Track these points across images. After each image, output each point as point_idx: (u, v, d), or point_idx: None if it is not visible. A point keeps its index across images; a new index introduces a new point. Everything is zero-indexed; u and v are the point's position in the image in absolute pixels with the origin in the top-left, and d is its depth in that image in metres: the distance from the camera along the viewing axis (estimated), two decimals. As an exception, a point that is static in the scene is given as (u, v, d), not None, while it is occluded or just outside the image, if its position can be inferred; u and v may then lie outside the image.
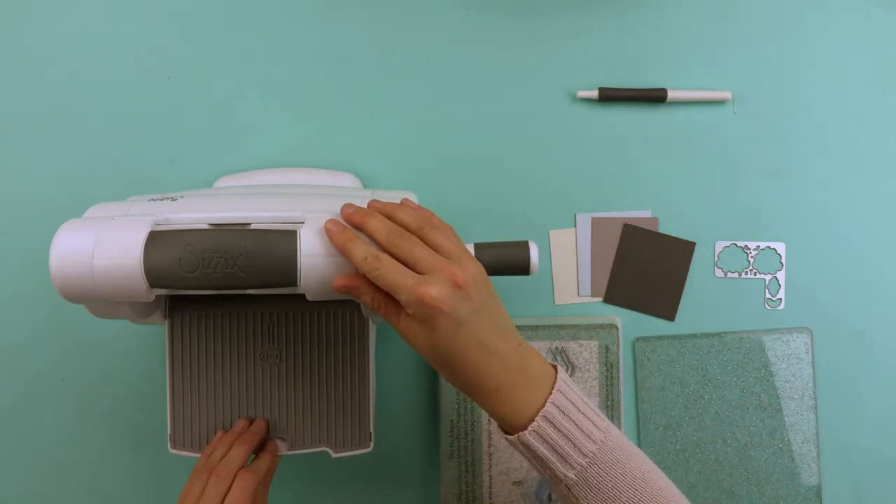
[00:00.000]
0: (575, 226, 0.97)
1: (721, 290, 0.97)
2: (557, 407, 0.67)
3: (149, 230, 0.70)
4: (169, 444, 0.84)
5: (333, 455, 0.84)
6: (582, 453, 0.67)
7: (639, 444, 0.96)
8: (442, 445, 0.94)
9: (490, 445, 0.93)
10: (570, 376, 0.87)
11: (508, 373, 0.68)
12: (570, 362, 0.94)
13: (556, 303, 0.97)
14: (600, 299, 0.97)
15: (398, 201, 0.76)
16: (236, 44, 0.97)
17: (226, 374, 0.83)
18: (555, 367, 0.70)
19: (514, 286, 0.96)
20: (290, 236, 0.69)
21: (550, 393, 0.68)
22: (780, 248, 0.97)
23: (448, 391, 0.94)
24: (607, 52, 0.98)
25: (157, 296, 0.72)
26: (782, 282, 0.97)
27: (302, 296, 0.72)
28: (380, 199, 0.76)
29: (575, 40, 0.98)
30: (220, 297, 0.83)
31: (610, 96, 0.96)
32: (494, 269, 0.76)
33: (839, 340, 0.97)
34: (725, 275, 0.97)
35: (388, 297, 0.69)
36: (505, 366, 0.68)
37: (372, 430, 0.84)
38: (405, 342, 0.69)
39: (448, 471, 0.94)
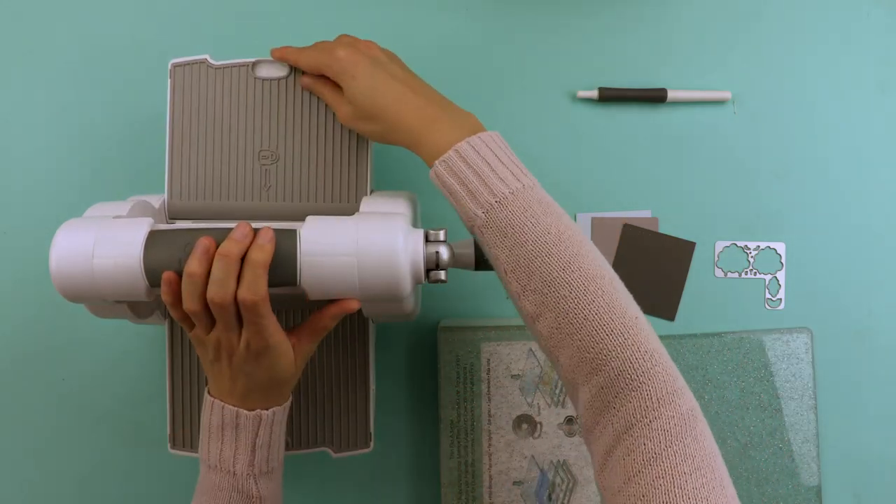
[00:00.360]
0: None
1: (721, 290, 0.97)
2: (473, 147, 0.69)
3: (148, 230, 0.70)
4: (168, 444, 0.84)
5: (333, 455, 0.84)
6: (493, 194, 0.68)
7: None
8: (442, 445, 0.94)
9: (490, 445, 0.93)
10: None
11: (432, 107, 0.74)
12: None
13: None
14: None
15: (397, 202, 0.77)
16: (236, 44, 0.97)
17: None
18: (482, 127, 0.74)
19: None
20: (290, 235, 0.69)
21: (471, 136, 0.70)
22: (780, 248, 0.97)
23: (448, 392, 0.94)
24: (607, 52, 0.98)
25: (156, 295, 0.72)
26: (782, 282, 0.97)
27: (302, 295, 0.72)
28: (381, 199, 0.77)
29: (575, 40, 0.98)
30: None
31: (610, 96, 0.96)
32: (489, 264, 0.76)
33: (839, 340, 0.97)
34: (725, 275, 0.97)
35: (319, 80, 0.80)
36: (428, 102, 0.75)
37: (372, 430, 0.83)
38: None
39: (448, 471, 0.94)
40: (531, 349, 0.91)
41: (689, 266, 0.97)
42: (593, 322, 0.62)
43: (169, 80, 0.82)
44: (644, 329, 0.63)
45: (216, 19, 0.98)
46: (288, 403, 0.77)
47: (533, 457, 0.92)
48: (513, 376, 0.92)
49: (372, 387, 0.84)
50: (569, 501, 0.93)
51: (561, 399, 0.92)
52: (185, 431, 0.84)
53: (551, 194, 0.96)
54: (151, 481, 0.96)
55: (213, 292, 0.67)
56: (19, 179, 0.97)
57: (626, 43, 0.98)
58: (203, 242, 0.68)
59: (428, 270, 0.74)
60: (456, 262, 0.76)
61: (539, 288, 0.65)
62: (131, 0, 0.97)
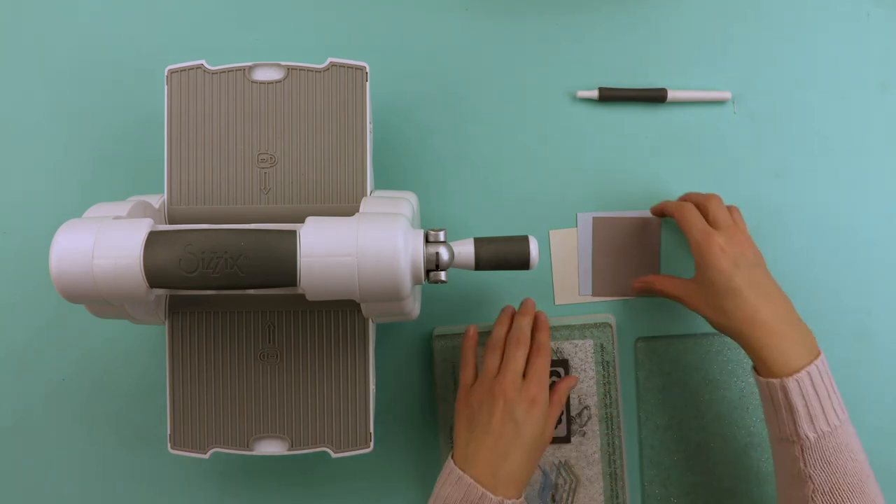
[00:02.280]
0: (576, 225, 0.97)
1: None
2: (820, 371, 0.76)
3: (148, 230, 0.70)
4: (169, 444, 0.84)
5: (333, 455, 0.84)
6: (828, 421, 0.75)
7: (640, 445, 0.96)
8: (441, 451, 0.95)
9: None
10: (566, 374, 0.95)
11: (783, 323, 0.79)
12: (565, 363, 0.94)
13: (557, 302, 0.97)
14: (602, 298, 0.97)
15: (397, 202, 0.77)
16: (236, 45, 0.97)
17: (225, 374, 0.83)
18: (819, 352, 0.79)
19: (513, 287, 0.96)
20: (290, 236, 0.69)
21: (817, 357, 0.77)
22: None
23: (444, 397, 0.94)
24: (607, 52, 0.98)
25: (156, 296, 0.72)
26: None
27: (302, 296, 0.72)
28: (381, 199, 0.77)
29: (575, 40, 0.98)
30: (220, 297, 0.83)
31: (610, 96, 0.96)
32: (494, 264, 0.78)
33: (839, 340, 0.97)
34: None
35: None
36: (781, 316, 0.79)
37: (371, 430, 0.83)
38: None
39: None
40: None
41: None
42: None
43: (166, 86, 0.82)
44: None
45: (214, 21, 0.98)
46: (523, 499, 0.82)
47: None
48: None
49: (372, 387, 0.84)
50: (572, 501, 0.93)
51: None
52: (184, 431, 0.84)
53: (552, 194, 0.97)
54: (151, 481, 0.96)
55: (519, 332, 0.87)
56: (19, 179, 0.97)
57: (626, 43, 0.98)
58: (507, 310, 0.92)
59: (428, 271, 0.74)
60: (456, 262, 0.76)
61: None
62: (130, 1, 0.98)
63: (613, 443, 0.94)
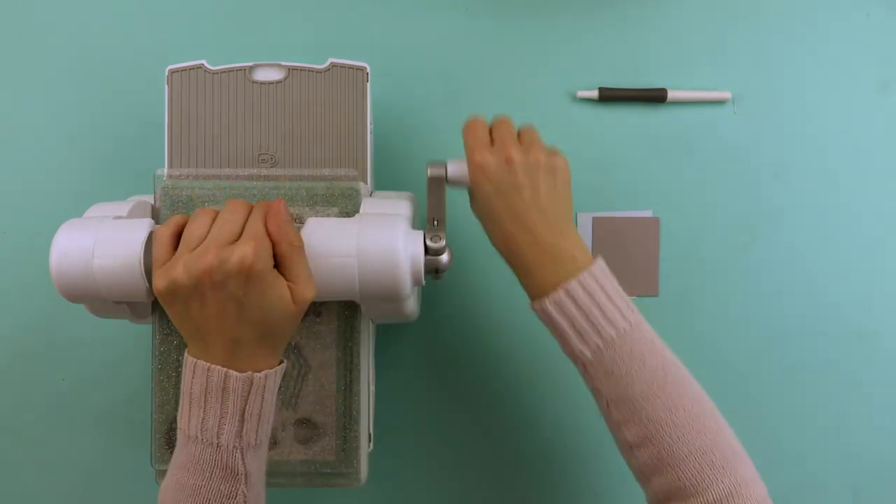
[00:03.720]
0: (576, 225, 0.97)
1: (721, 290, 0.98)
2: (582, 286, 0.71)
3: (149, 230, 0.70)
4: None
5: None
6: (600, 335, 0.70)
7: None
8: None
9: None
10: None
11: (537, 250, 0.74)
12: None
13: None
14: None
15: (397, 203, 0.77)
16: (236, 45, 0.97)
17: None
18: (596, 259, 0.74)
19: (512, 286, 0.96)
20: None
21: (584, 269, 0.72)
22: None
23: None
24: (607, 52, 0.98)
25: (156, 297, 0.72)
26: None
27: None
28: (381, 200, 0.76)
29: (575, 40, 0.98)
30: None
31: (610, 96, 0.96)
32: None
33: (839, 340, 0.97)
34: (725, 275, 0.97)
35: None
36: (535, 243, 0.74)
37: (371, 430, 0.83)
38: None
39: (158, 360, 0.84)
40: None
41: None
42: (696, 457, 0.67)
43: (166, 86, 0.82)
44: (741, 457, 0.69)
45: (214, 21, 0.98)
46: (282, 368, 0.71)
47: None
48: None
49: (372, 387, 0.84)
50: (301, 388, 0.83)
51: None
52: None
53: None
54: (151, 481, 0.96)
55: (230, 203, 0.70)
56: (19, 179, 0.97)
57: (626, 43, 0.98)
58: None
59: (428, 272, 0.74)
60: (451, 180, 0.79)
61: (642, 423, 0.69)
62: (130, 2, 0.98)
63: (351, 326, 0.81)
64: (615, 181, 0.97)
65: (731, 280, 0.97)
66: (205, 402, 0.67)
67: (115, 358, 0.97)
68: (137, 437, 0.96)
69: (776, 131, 0.97)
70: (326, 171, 0.81)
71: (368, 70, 0.83)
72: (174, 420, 0.79)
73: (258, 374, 0.68)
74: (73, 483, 0.97)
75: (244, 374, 0.67)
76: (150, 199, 0.80)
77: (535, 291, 0.74)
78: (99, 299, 0.72)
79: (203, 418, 0.67)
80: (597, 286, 0.72)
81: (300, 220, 0.76)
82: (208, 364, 0.67)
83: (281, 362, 0.72)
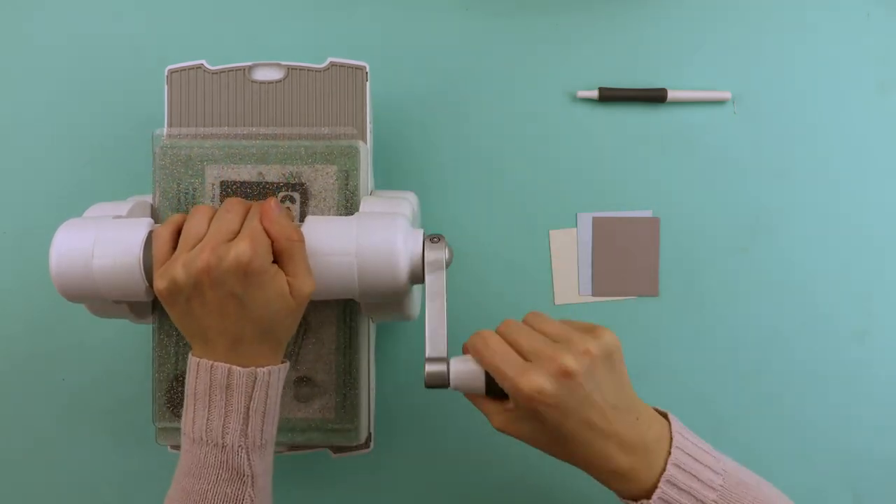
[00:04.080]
0: (576, 225, 0.97)
1: (721, 290, 0.98)
2: (678, 467, 0.65)
3: (148, 230, 0.70)
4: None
5: (333, 456, 0.84)
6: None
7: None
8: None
9: None
10: (306, 205, 0.79)
11: (625, 453, 0.65)
12: (303, 189, 0.81)
13: (557, 302, 0.97)
14: (602, 299, 0.97)
15: (397, 202, 0.77)
16: (236, 45, 0.97)
17: None
18: (666, 416, 0.68)
19: (513, 287, 0.96)
20: None
21: (669, 454, 0.66)
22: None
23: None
24: (607, 52, 0.98)
25: (155, 296, 0.72)
26: (782, 282, 0.97)
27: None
28: (380, 199, 0.76)
29: (575, 40, 0.98)
30: None
31: (610, 96, 0.96)
32: None
33: (838, 340, 0.97)
34: (725, 275, 0.97)
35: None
36: (621, 447, 0.65)
37: (372, 430, 0.83)
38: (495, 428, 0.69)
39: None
40: (260, 172, 0.79)
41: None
42: None
43: (166, 86, 0.82)
44: None
45: (214, 21, 0.98)
46: (285, 366, 0.71)
47: None
48: None
49: (372, 386, 0.84)
50: (301, 347, 0.81)
51: None
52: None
53: (552, 194, 0.97)
54: (151, 481, 0.96)
55: (228, 201, 0.70)
56: (19, 179, 0.97)
57: (626, 43, 0.98)
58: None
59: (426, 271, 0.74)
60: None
61: None
62: (130, 2, 0.98)
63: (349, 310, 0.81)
64: (615, 181, 0.97)
65: (730, 280, 0.97)
66: (209, 400, 0.67)
67: (116, 358, 0.96)
68: (137, 437, 0.96)
69: (776, 131, 0.97)
70: (325, 130, 0.81)
71: (368, 69, 0.83)
72: (175, 378, 0.80)
73: (262, 370, 0.68)
74: (73, 483, 0.97)
75: (247, 369, 0.67)
76: (149, 198, 0.80)
77: (632, 494, 0.66)
78: (99, 299, 0.72)
79: (208, 418, 0.67)
80: (686, 457, 0.66)
81: (299, 179, 0.78)
82: (211, 362, 0.67)
83: (284, 361, 0.72)
